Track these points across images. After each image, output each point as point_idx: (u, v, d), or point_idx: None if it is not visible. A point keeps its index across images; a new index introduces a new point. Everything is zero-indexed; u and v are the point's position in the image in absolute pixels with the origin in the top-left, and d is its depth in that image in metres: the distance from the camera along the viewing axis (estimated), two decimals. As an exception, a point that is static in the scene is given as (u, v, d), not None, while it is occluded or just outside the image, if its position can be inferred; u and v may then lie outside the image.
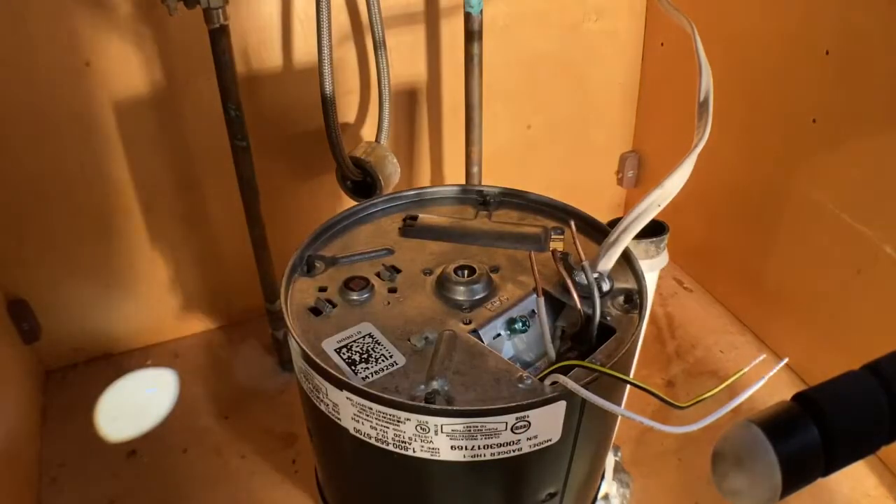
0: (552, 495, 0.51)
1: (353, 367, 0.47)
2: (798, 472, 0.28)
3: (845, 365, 0.32)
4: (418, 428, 0.43)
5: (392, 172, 1.04)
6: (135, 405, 1.10)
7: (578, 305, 0.49)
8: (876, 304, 0.96)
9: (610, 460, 0.79)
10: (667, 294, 1.32)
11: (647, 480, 0.95)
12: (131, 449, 1.01)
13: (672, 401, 0.41)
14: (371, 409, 0.44)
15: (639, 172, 1.46)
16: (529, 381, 0.45)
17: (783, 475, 0.28)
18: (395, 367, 0.47)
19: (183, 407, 1.08)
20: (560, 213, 0.63)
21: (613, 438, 0.65)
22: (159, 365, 1.17)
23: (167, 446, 1.01)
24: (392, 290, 0.55)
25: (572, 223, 0.55)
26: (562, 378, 0.43)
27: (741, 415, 0.31)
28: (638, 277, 0.54)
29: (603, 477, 0.69)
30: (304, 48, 1.05)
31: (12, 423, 0.95)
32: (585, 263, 0.51)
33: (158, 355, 1.18)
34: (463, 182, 1.14)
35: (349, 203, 0.82)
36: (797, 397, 0.30)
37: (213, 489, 0.95)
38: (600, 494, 0.70)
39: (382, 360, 0.47)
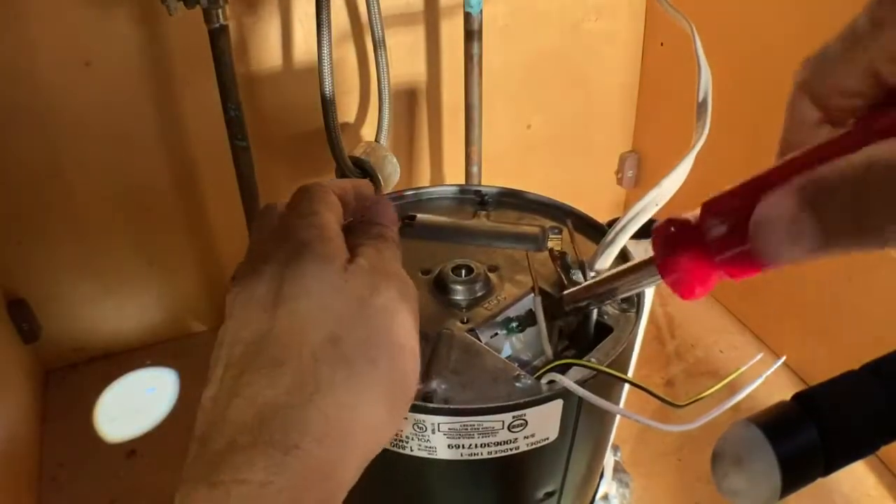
0: (550, 494, 0.51)
1: (350, 367, 0.46)
2: (798, 472, 0.28)
3: (845, 365, 0.32)
4: (415, 427, 0.43)
5: (392, 172, 1.03)
6: (135, 405, 1.10)
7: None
8: (876, 304, 0.96)
9: (609, 460, 0.79)
10: (667, 294, 1.32)
11: (647, 480, 0.94)
12: (131, 449, 1.01)
13: (670, 399, 0.41)
14: (369, 408, 0.44)
15: (638, 172, 1.46)
16: (527, 380, 0.45)
17: (783, 475, 0.28)
18: (393, 367, 0.46)
19: (183, 407, 1.08)
20: (558, 212, 0.63)
21: (612, 438, 0.65)
22: (159, 365, 1.17)
23: (167, 446, 1.01)
24: (390, 290, 0.54)
25: (569, 223, 0.55)
26: (559, 377, 0.43)
27: (741, 414, 0.31)
28: (636, 277, 0.54)
29: (602, 476, 0.69)
30: (304, 48, 1.05)
31: (12, 424, 0.95)
32: (583, 262, 0.51)
33: (158, 355, 1.18)
34: (463, 182, 1.14)
35: (348, 203, 0.82)
36: (797, 397, 0.30)
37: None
38: (600, 494, 0.70)
39: (380, 360, 0.47)
